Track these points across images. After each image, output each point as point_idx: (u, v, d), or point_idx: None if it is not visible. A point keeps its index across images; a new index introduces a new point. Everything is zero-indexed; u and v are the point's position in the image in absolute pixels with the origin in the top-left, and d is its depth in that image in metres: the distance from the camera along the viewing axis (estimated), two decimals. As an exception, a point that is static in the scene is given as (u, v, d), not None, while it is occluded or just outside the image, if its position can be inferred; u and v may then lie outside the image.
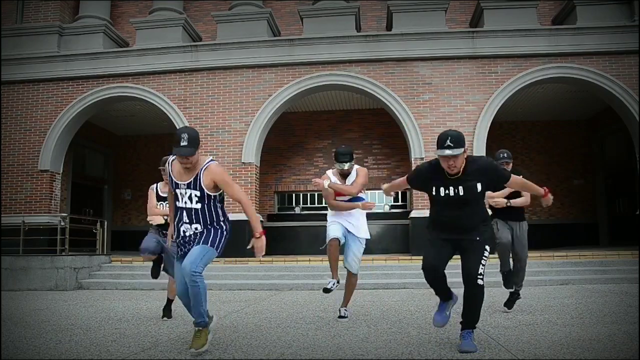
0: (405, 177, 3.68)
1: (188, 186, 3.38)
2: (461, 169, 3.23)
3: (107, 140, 14.69)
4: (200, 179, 3.37)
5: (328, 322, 4.58)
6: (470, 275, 3.22)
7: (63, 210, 11.68)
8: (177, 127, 10.92)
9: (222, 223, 3.48)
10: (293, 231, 12.41)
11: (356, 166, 4.78)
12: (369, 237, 4.83)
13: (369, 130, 13.67)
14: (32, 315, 5.35)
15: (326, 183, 4.60)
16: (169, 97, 11.08)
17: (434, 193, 3.32)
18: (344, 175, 4.69)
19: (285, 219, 13.28)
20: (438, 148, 3.18)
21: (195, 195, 3.38)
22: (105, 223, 10.52)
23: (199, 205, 3.38)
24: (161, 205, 4.87)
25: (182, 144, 3.30)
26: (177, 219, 3.45)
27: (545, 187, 3.59)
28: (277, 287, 8.16)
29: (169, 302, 5.04)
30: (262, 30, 11.20)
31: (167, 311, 4.98)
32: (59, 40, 11.63)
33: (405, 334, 3.88)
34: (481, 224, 3.33)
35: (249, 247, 3.42)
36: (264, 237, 3.42)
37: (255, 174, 10.86)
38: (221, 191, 3.50)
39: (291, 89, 10.81)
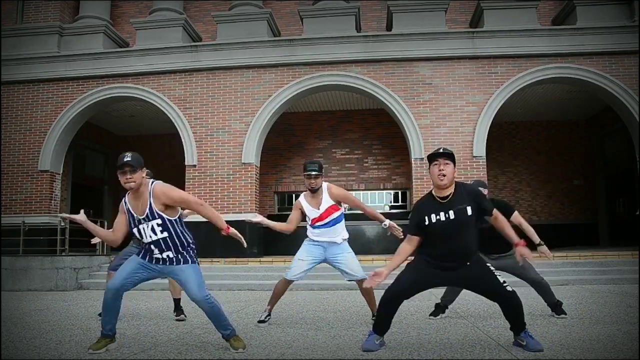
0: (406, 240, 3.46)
1: (147, 219, 3.30)
2: (452, 191, 3.28)
3: (107, 140, 14.69)
4: (153, 207, 3.29)
5: (328, 323, 4.58)
6: (499, 291, 3.24)
7: (63, 211, 11.68)
8: (177, 127, 11.05)
9: (190, 247, 3.42)
10: (293, 231, 12.39)
11: (325, 183, 4.52)
12: (347, 236, 4.59)
13: (369, 130, 13.67)
14: (32, 315, 5.35)
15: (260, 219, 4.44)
16: (169, 97, 11.08)
17: (426, 222, 3.26)
18: (313, 190, 4.44)
19: (285, 219, 13.22)
20: (430, 156, 3.34)
21: (158, 224, 3.30)
22: (106, 223, 10.52)
23: (165, 234, 3.30)
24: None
25: (125, 159, 3.25)
26: (145, 248, 3.39)
27: (522, 240, 3.33)
28: (277, 287, 8.14)
29: (177, 301, 5.04)
30: (262, 30, 11.20)
31: (179, 311, 4.98)
32: (59, 40, 11.64)
33: (405, 334, 3.88)
34: (471, 251, 3.30)
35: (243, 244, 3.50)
36: (232, 229, 3.43)
37: (255, 174, 10.86)
38: (179, 214, 3.42)
39: (291, 89, 10.81)
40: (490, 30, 10.60)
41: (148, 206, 3.29)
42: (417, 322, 4.49)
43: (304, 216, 4.58)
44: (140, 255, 3.42)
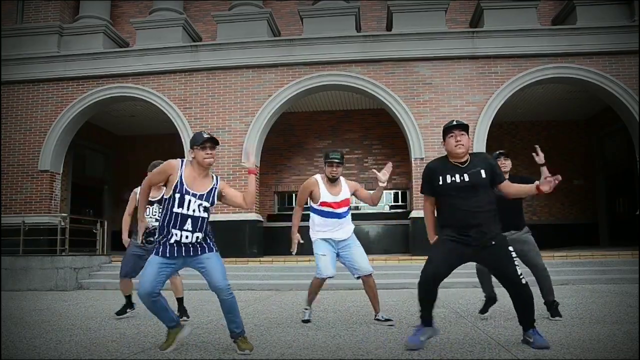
0: (424, 194, 3.57)
1: (200, 197, 3.33)
2: (467, 159, 3.39)
3: (107, 140, 14.69)
4: (214, 193, 3.40)
5: (328, 322, 4.58)
6: (513, 280, 3.27)
7: (63, 211, 11.68)
8: (177, 127, 11.05)
9: (210, 236, 3.47)
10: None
11: (342, 178, 4.52)
12: (353, 227, 4.63)
13: (369, 130, 13.67)
14: (32, 315, 5.35)
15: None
16: (169, 97, 11.08)
17: (441, 182, 3.35)
18: (333, 178, 4.41)
19: (285, 219, 13.25)
20: (446, 128, 3.41)
21: (204, 207, 3.35)
22: (105, 223, 10.52)
23: (205, 214, 3.37)
24: (149, 209, 4.84)
25: (207, 135, 3.35)
26: (171, 223, 3.26)
27: (536, 182, 3.42)
28: (278, 287, 8.15)
29: (180, 301, 5.05)
30: (262, 30, 11.20)
31: (182, 311, 4.99)
32: (59, 40, 11.64)
33: (405, 334, 3.87)
34: (493, 223, 3.33)
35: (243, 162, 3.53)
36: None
37: (255, 174, 10.84)
38: None
39: (291, 89, 10.81)
40: (490, 30, 10.61)
41: (210, 189, 3.39)
42: (417, 322, 4.48)
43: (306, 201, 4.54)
44: (160, 254, 3.27)
